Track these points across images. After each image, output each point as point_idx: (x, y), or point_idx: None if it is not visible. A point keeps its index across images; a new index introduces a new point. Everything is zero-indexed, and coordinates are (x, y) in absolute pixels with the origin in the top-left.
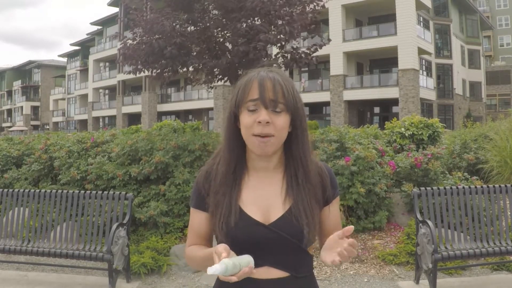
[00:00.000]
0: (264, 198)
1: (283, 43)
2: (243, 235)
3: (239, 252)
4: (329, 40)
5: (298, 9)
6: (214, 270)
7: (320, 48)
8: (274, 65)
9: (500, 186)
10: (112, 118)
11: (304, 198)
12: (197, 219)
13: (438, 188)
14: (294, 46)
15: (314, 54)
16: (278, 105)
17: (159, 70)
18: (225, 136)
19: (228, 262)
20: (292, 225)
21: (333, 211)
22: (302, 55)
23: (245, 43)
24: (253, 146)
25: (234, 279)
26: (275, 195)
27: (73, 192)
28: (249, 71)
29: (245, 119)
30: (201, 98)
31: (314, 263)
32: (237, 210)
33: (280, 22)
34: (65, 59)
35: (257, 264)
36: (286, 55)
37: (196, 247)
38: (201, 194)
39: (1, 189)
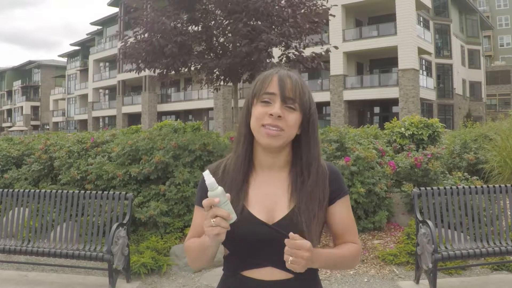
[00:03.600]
0: (269, 197)
1: (288, 42)
2: (247, 235)
3: (243, 251)
4: (335, 47)
5: (302, 11)
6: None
7: (326, 53)
8: (283, 65)
9: (500, 186)
10: (112, 118)
11: (308, 199)
12: (199, 217)
13: (438, 188)
14: (299, 49)
15: (319, 57)
16: (294, 103)
17: (160, 70)
18: (239, 130)
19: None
20: (295, 225)
21: (339, 211)
22: (308, 59)
23: (248, 44)
24: (261, 136)
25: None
26: (280, 195)
27: (73, 192)
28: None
29: (258, 110)
30: (201, 98)
31: None
32: (242, 209)
33: (283, 23)
34: (65, 59)
35: (261, 265)
36: (291, 57)
37: (195, 238)
38: (206, 192)
39: (1, 189)
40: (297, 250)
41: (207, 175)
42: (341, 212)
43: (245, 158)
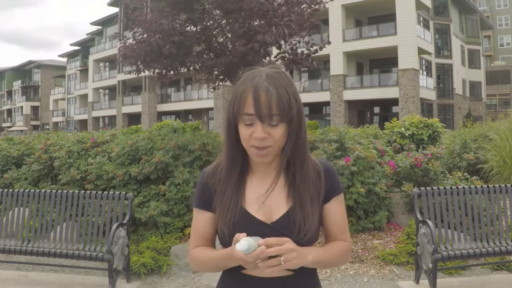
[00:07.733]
0: (266, 198)
1: (282, 43)
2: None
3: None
4: (329, 42)
5: (297, 10)
6: (241, 246)
7: (320, 49)
8: (275, 64)
9: (500, 186)
10: (112, 118)
11: (304, 197)
12: (201, 220)
13: (438, 188)
14: (294, 48)
15: (315, 55)
16: (273, 118)
17: (159, 70)
18: (227, 141)
19: (249, 240)
20: (294, 223)
21: (333, 209)
22: (301, 57)
23: (244, 44)
24: (252, 155)
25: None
26: (277, 195)
27: (73, 192)
28: (246, 74)
29: (243, 131)
30: (201, 98)
31: None
32: (241, 210)
33: (278, 22)
34: (65, 59)
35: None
36: (285, 56)
37: (204, 249)
38: (206, 193)
39: (1, 189)
40: (284, 253)
41: (242, 243)
42: (335, 210)
43: (240, 165)
